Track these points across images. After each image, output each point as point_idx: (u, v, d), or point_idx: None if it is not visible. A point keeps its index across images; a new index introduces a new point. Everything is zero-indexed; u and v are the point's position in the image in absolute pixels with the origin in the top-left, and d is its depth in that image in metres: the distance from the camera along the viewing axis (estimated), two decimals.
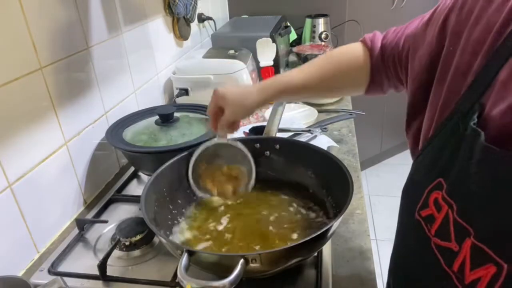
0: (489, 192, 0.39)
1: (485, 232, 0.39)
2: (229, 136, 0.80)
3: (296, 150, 0.84)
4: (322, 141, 1.09)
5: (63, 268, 0.76)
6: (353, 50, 0.72)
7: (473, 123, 0.41)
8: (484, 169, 0.39)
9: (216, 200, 0.82)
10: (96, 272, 0.71)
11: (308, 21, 1.97)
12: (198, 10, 1.67)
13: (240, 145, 0.81)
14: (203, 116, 1.06)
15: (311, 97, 0.80)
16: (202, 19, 1.76)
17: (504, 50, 0.41)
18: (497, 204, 0.38)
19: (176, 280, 0.69)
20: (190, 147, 0.82)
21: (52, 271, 0.74)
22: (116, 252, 0.77)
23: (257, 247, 0.69)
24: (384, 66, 0.68)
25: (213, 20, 1.85)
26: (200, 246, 0.70)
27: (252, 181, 0.82)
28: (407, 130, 0.62)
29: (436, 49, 0.54)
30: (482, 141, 0.39)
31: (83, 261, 0.77)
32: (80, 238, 0.83)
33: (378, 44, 0.69)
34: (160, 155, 0.86)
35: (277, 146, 0.85)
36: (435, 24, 0.55)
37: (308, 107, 1.32)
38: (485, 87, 0.42)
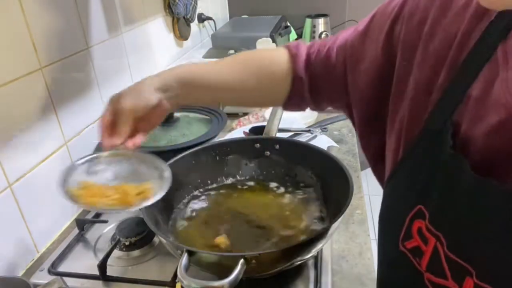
0: (487, 228, 0.35)
1: (489, 271, 0.35)
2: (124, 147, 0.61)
3: (296, 150, 0.84)
4: (322, 141, 1.09)
5: (63, 268, 0.76)
6: (276, 55, 0.64)
7: (450, 146, 0.38)
8: (475, 202, 0.35)
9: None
10: (96, 272, 0.71)
11: (308, 21, 1.97)
12: (198, 10, 1.67)
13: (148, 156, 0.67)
14: (203, 116, 1.06)
15: (220, 97, 0.68)
16: (202, 19, 1.76)
17: (472, 64, 0.38)
18: (499, 241, 0.34)
19: (176, 280, 0.68)
20: (190, 147, 0.82)
21: (52, 271, 0.74)
22: (116, 252, 0.77)
23: (257, 248, 0.69)
24: (308, 76, 0.61)
25: (213, 20, 1.86)
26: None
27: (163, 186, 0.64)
28: (365, 150, 0.59)
29: (384, 63, 0.50)
30: (468, 171, 0.35)
31: (83, 261, 0.77)
32: (80, 238, 0.83)
33: (303, 53, 0.62)
34: (160, 155, 0.86)
35: (277, 146, 0.85)
36: (376, 37, 0.51)
37: None
38: (455, 103, 0.39)
